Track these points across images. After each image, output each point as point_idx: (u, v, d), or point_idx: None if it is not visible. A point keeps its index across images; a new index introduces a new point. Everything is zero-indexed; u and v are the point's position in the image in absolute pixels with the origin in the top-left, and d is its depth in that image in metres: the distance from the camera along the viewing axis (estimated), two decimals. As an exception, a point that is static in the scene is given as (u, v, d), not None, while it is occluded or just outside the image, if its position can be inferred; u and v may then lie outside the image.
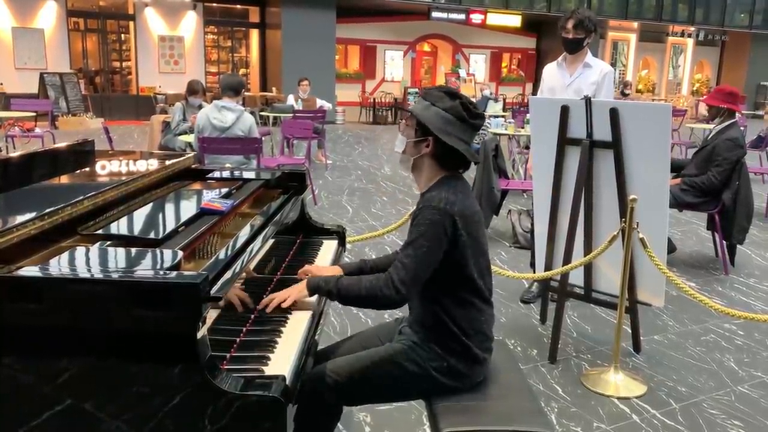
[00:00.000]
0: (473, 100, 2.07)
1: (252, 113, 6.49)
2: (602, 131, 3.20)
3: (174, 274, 1.43)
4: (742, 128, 10.24)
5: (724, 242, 4.96)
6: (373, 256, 4.88)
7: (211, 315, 1.71)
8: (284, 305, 1.88)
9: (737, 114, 4.98)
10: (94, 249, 1.62)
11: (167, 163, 2.47)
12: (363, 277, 1.94)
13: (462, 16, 18.63)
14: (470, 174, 8.29)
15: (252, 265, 1.99)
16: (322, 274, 2.16)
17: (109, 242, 1.69)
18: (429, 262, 1.85)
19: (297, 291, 1.93)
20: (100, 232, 1.76)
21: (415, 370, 1.91)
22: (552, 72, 4.04)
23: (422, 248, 1.83)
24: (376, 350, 1.98)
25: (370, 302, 1.90)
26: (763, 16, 22.76)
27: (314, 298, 2.06)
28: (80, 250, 1.60)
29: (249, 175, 2.70)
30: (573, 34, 3.79)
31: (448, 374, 1.92)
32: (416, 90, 17.87)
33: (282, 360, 1.62)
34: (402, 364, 1.92)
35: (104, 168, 2.42)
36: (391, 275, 1.84)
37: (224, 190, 2.30)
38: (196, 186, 2.46)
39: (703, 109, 13.52)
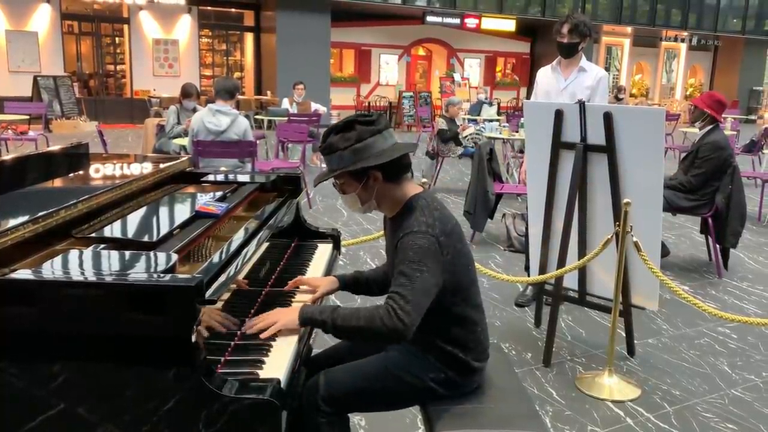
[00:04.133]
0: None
1: (247, 117, 6.49)
2: (596, 135, 3.21)
3: (168, 277, 1.43)
4: (734, 132, 10.33)
5: (718, 246, 4.99)
6: (368, 260, 4.94)
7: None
8: (265, 335, 1.72)
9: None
10: (89, 252, 1.62)
11: (162, 166, 2.46)
12: (360, 307, 1.79)
13: (457, 21, 18.68)
14: (465, 178, 8.30)
15: (247, 269, 1.98)
16: (317, 284, 2.14)
17: (103, 245, 1.69)
18: (428, 287, 1.74)
19: (286, 320, 1.78)
20: (94, 235, 1.75)
21: (412, 381, 1.90)
22: (546, 76, 4.05)
23: (416, 273, 1.72)
24: (371, 361, 1.95)
25: (371, 335, 1.74)
26: (756, 22, 22.90)
27: (310, 297, 2.05)
28: (74, 253, 1.59)
29: (244, 178, 2.70)
30: (568, 39, 3.80)
31: (444, 384, 1.91)
32: (411, 94, 17.93)
33: (277, 364, 1.62)
34: (399, 376, 1.89)
35: (98, 171, 2.41)
36: (392, 306, 1.71)
37: (219, 194, 2.30)
38: (191, 189, 2.45)
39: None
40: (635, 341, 3.51)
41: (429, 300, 1.76)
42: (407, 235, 1.77)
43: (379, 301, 1.80)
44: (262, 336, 1.73)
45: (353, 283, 2.18)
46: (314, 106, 10.28)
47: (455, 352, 1.89)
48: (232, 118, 5.22)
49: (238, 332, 1.76)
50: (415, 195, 1.88)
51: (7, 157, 2.11)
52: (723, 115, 5.32)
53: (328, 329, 1.79)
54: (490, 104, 13.93)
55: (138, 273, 1.48)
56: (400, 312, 1.70)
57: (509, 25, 19.69)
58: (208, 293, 1.47)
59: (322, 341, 3.35)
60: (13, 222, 1.56)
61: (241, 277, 1.93)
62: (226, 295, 1.81)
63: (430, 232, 1.77)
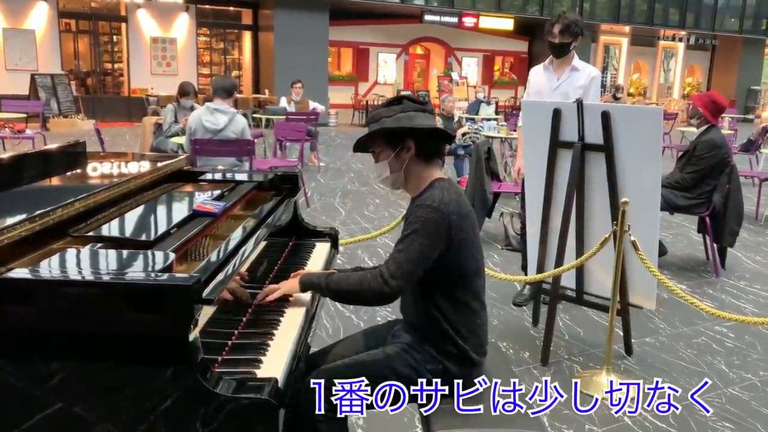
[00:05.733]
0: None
1: (245, 115, 6.48)
2: (594, 134, 3.21)
3: (166, 276, 1.42)
4: (731, 132, 10.34)
5: (715, 245, 4.99)
6: (366, 259, 4.94)
7: (204, 317, 1.71)
8: (270, 298, 1.93)
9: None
10: (86, 251, 1.61)
11: (159, 164, 2.46)
12: (353, 273, 1.96)
13: (455, 20, 18.68)
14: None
15: (244, 268, 1.98)
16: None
17: (100, 244, 1.68)
18: (421, 259, 1.82)
19: (287, 286, 1.96)
20: (91, 234, 1.75)
21: (409, 373, 1.90)
22: (539, 75, 4.03)
23: (414, 243, 1.82)
24: (369, 355, 1.96)
25: (359, 296, 1.88)
26: (753, 21, 22.94)
27: (308, 297, 2.05)
28: (71, 252, 1.59)
29: (241, 177, 2.69)
30: (559, 39, 3.78)
31: (442, 377, 1.91)
32: (409, 93, 17.92)
33: (274, 363, 1.62)
34: (396, 368, 1.90)
35: (96, 170, 2.41)
36: (381, 269, 1.84)
37: (217, 192, 2.29)
38: (189, 188, 2.45)
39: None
40: (633, 340, 3.52)
41: (420, 270, 1.84)
42: (420, 207, 1.86)
43: None
44: (268, 299, 1.93)
45: None
46: (312, 104, 10.27)
47: (453, 335, 1.91)
48: (230, 117, 5.21)
49: (236, 331, 1.76)
50: (440, 178, 1.96)
51: (4, 155, 2.10)
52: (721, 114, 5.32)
53: (324, 292, 1.95)
54: (488, 103, 13.91)
55: (135, 272, 1.48)
56: (388, 277, 1.81)
57: (507, 24, 19.70)
58: (205, 292, 1.47)
59: (320, 340, 3.35)
60: (10, 220, 1.55)
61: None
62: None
63: (443, 209, 1.83)
